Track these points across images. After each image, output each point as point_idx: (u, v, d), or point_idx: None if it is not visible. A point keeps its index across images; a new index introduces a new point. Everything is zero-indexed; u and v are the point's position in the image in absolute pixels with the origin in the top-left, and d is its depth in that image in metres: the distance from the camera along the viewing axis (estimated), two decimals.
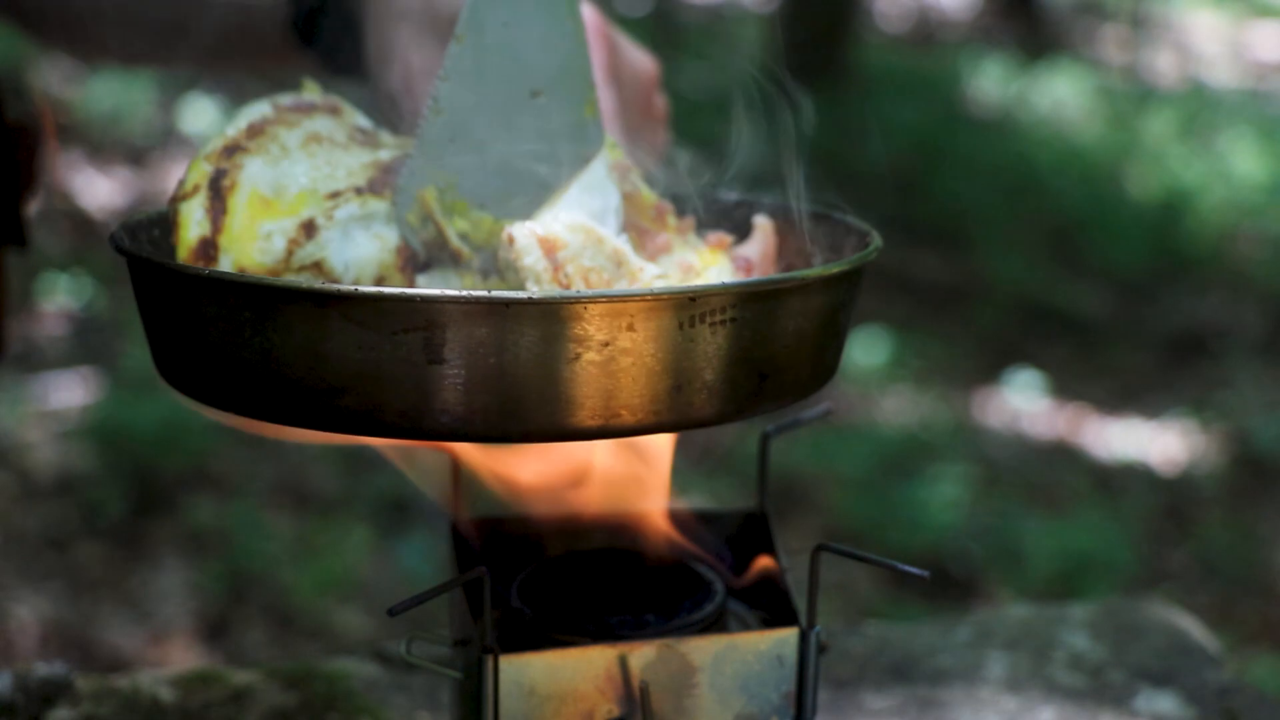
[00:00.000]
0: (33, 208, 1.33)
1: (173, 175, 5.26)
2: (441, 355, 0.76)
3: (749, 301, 0.80)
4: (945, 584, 3.46)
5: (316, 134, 0.96)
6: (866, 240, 0.94)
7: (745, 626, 1.01)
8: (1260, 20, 10.42)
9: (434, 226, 0.91)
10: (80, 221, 4.91)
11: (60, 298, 4.38)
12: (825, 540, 0.94)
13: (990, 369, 4.85)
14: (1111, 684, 1.31)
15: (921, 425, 4.40)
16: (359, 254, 0.89)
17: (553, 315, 0.76)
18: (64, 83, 5.65)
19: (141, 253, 0.87)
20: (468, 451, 1.01)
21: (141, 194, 5.19)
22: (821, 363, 0.88)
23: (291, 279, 0.87)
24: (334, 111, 1.00)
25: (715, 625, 0.98)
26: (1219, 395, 4.82)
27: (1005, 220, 6.21)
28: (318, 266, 0.89)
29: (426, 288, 0.86)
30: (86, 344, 4.15)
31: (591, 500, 1.01)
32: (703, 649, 0.92)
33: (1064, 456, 4.36)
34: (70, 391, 3.89)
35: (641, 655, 0.91)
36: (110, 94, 5.57)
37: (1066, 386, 4.75)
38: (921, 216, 6.02)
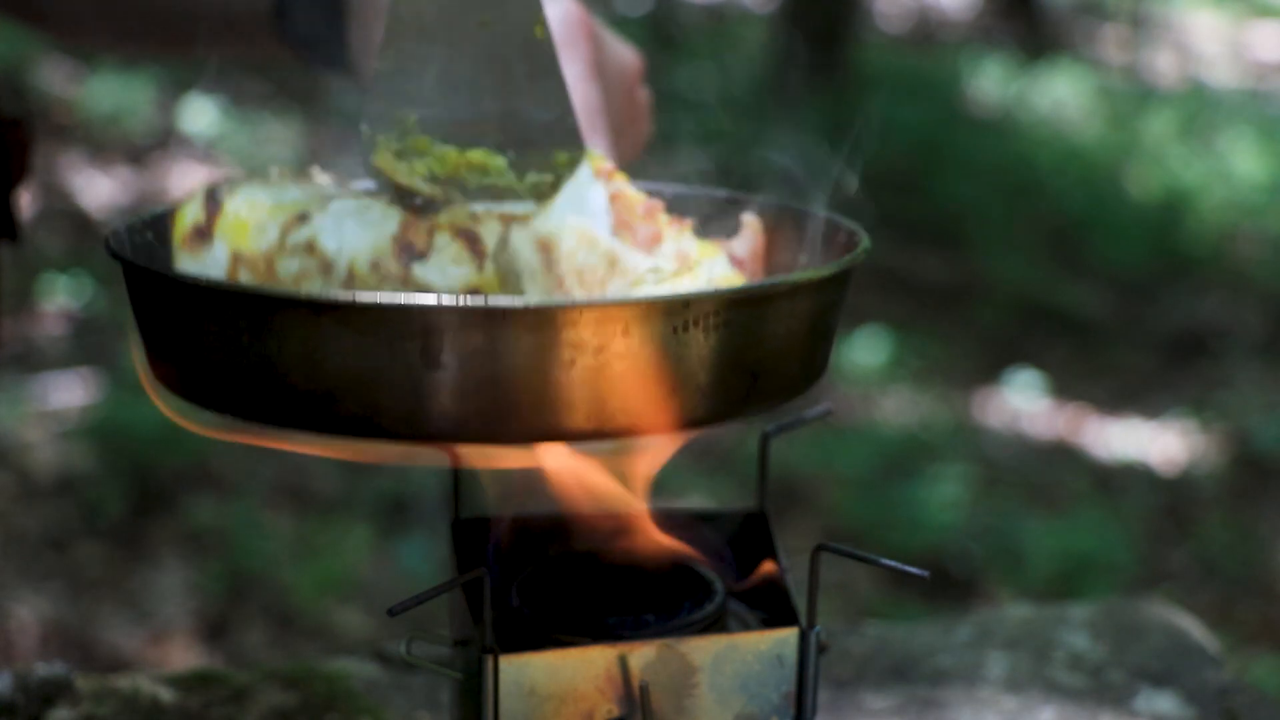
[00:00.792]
0: (23, 200, 1.33)
1: (173, 175, 5.27)
2: (439, 361, 0.77)
3: (741, 305, 0.81)
4: (945, 584, 3.46)
5: (305, 174, 0.98)
6: (855, 239, 0.94)
7: (745, 626, 1.01)
8: (1260, 20, 10.42)
9: (398, 178, 0.92)
10: (80, 221, 4.91)
11: (60, 298, 4.38)
12: (825, 540, 0.94)
13: (990, 369, 4.85)
14: (1111, 684, 1.31)
15: (921, 425, 4.40)
16: (353, 238, 0.89)
17: (549, 322, 0.77)
18: (64, 83, 5.65)
19: (137, 259, 0.87)
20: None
21: (141, 194, 5.19)
22: (812, 363, 0.89)
23: (285, 289, 0.88)
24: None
25: (715, 625, 0.98)
26: (1219, 395, 4.82)
27: (1005, 220, 6.21)
28: (310, 248, 0.89)
29: (423, 281, 0.87)
30: (86, 344, 4.15)
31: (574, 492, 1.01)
32: (703, 649, 0.92)
33: (1064, 456, 4.36)
34: (70, 391, 3.89)
35: (641, 655, 0.91)
36: (110, 94, 5.57)
37: (1066, 386, 4.75)
38: (921, 216, 6.02)
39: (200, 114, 5.61)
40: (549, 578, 1.01)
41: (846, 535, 3.52)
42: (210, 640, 3.04)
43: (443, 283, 0.88)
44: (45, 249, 4.53)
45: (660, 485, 1.03)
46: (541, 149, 0.95)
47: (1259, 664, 3.19)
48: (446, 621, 1.04)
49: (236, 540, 3.32)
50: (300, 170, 1.01)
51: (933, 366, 4.82)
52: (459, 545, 1.05)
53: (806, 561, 0.92)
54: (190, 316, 0.82)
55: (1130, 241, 6.12)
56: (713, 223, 1.04)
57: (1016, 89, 8.20)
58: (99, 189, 5.17)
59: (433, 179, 0.92)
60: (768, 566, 1.03)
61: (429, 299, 0.78)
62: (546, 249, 0.87)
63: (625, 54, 1.17)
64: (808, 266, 0.98)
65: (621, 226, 0.94)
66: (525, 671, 0.90)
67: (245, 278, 0.88)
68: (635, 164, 1.05)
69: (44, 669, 1.22)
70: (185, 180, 5.15)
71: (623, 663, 0.91)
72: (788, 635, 0.94)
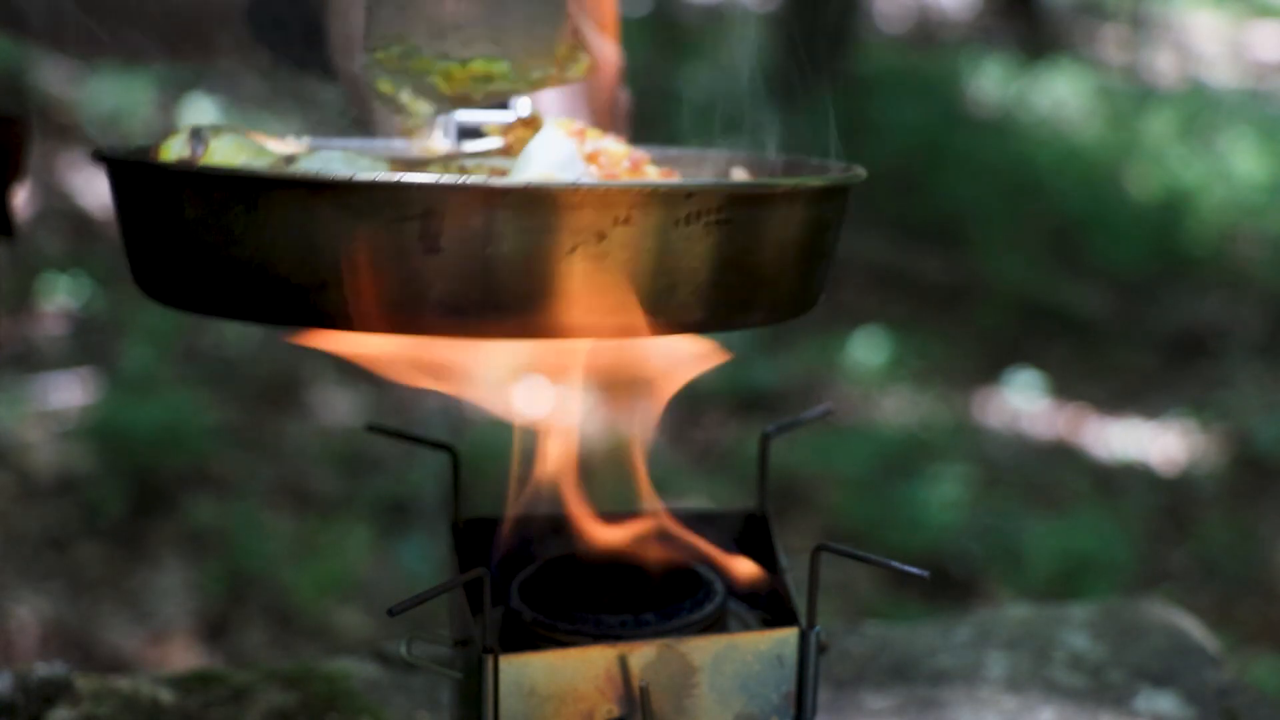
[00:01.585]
0: (20, 198, 1.32)
1: None
2: (438, 244, 0.76)
3: (742, 204, 0.81)
4: (945, 584, 3.46)
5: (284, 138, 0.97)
6: (850, 170, 0.94)
7: (745, 626, 1.01)
8: (1260, 20, 10.41)
9: (400, 100, 0.91)
10: (80, 221, 4.91)
11: (60, 298, 4.38)
12: (825, 540, 0.94)
13: (990, 369, 4.85)
14: (1111, 684, 1.31)
15: (921, 425, 4.40)
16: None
17: (550, 203, 0.76)
18: (64, 83, 5.65)
19: (125, 157, 0.86)
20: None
21: None
22: (810, 281, 0.89)
23: (281, 170, 0.87)
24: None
25: (715, 625, 0.98)
26: (1219, 395, 4.82)
27: (1005, 220, 6.20)
28: None
29: None
30: (86, 344, 4.15)
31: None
32: (703, 649, 0.92)
33: (1064, 456, 4.36)
34: (70, 391, 3.89)
35: (641, 655, 0.91)
36: (110, 94, 5.57)
37: (1066, 386, 4.75)
38: (921, 216, 6.02)
39: (200, 114, 5.61)
40: (549, 578, 1.01)
41: (846, 535, 3.52)
42: (210, 640, 3.04)
43: None
44: (45, 249, 4.53)
45: (660, 486, 1.03)
46: (539, 44, 0.94)
47: (1259, 664, 3.19)
48: (446, 621, 1.04)
49: (236, 540, 3.32)
50: (281, 134, 1.01)
51: (933, 366, 4.82)
52: (459, 545, 1.05)
53: (806, 561, 0.92)
54: (182, 208, 0.80)
55: (1130, 241, 6.12)
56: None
57: (1016, 89, 8.19)
58: (99, 189, 5.17)
59: (439, 96, 0.92)
60: (765, 575, 1.02)
61: (429, 177, 0.76)
62: None
63: (605, 51, 1.16)
64: None
65: (608, 180, 0.94)
66: (525, 671, 0.90)
67: None
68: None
69: (44, 669, 1.22)
70: None
71: (623, 663, 0.91)
72: (788, 635, 0.94)
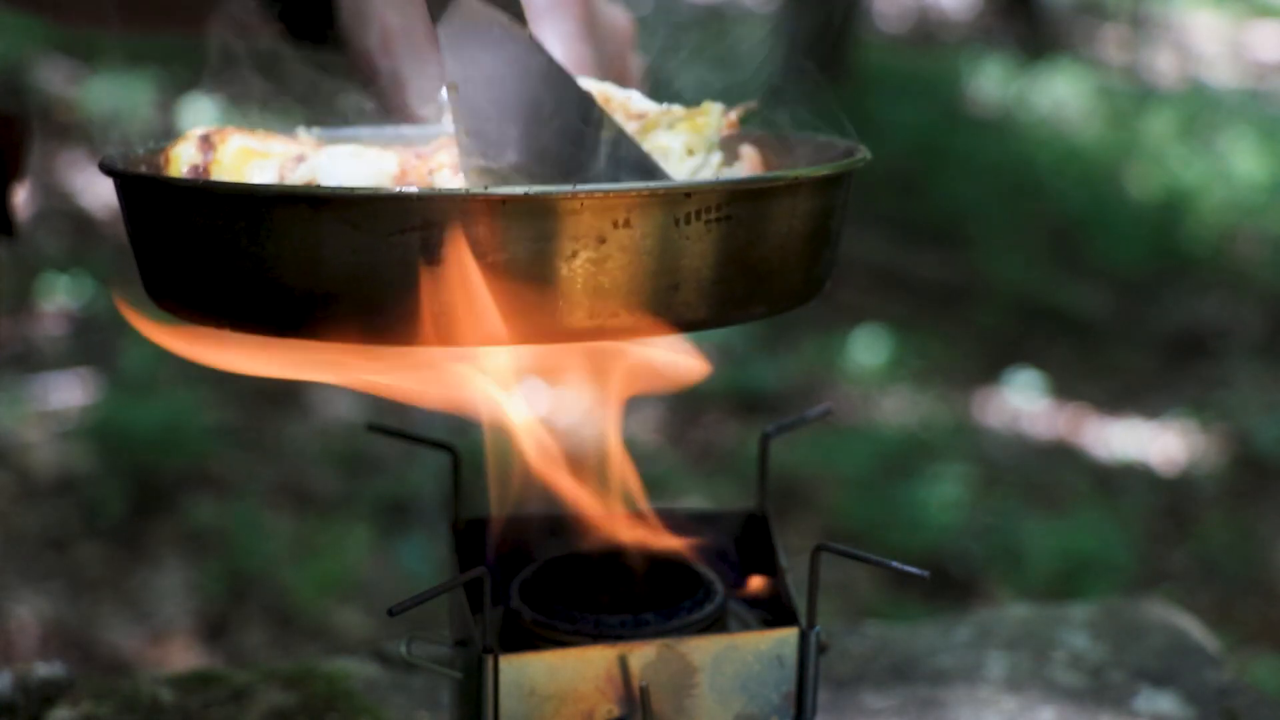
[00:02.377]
0: (20, 198, 1.32)
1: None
2: (439, 255, 0.76)
3: (743, 199, 0.81)
4: (945, 584, 3.46)
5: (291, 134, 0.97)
6: (854, 151, 0.94)
7: (745, 626, 1.01)
8: (1260, 20, 10.41)
9: None
10: (80, 221, 4.91)
11: (60, 298, 4.38)
12: (825, 540, 0.94)
13: (990, 369, 4.85)
14: (1111, 684, 1.31)
15: (921, 425, 4.40)
16: (353, 172, 0.89)
17: (549, 210, 0.76)
18: (64, 83, 5.65)
19: (133, 170, 0.86)
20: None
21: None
22: (814, 269, 0.89)
23: (283, 185, 0.87)
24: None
25: (715, 625, 0.98)
26: (1219, 395, 4.82)
27: (1005, 220, 6.21)
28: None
29: None
30: (86, 344, 4.15)
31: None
32: (703, 649, 0.92)
33: (1064, 456, 4.36)
34: (70, 391, 3.89)
35: (641, 655, 0.91)
36: (110, 94, 5.57)
37: (1066, 386, 4.75)
38: (921, 216, 6.02)
39: (200, 114, 5.61)
40: (549, 578, 1.01)
41: (846, 535, 3.52)
42: (210, 640, 3.04)
43: None
44: (45, 249, 4.53)
45: (661, 486, 1.03)
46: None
47: (1259, 664, 3.19)
48: (446, 621, 1.04)
49: (236, 540, 3.32)
50: (287, 133, 1.01)
51: (933, 366, 4.82)
52: (459, 545, 1.05)
53: (806, 561, 0.92)
54: (187, 223, 0.80)
55: (1130, 241, 6.12)
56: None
57: (1016, 89, 8.20)
58: (99, 189, 5.17)
59: None
60: (766, 581, 1.02)
61: (426, 189, 0.76)
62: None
63: (618, 17, 1.16)
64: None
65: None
66: (525, 671, 0.90)
67: None
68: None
69: (44, 669, 1.22)
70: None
71: (623, 663, 0.91)
72: (788, 635, 0.94)
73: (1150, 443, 4.46)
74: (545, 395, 0.98)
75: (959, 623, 1.43)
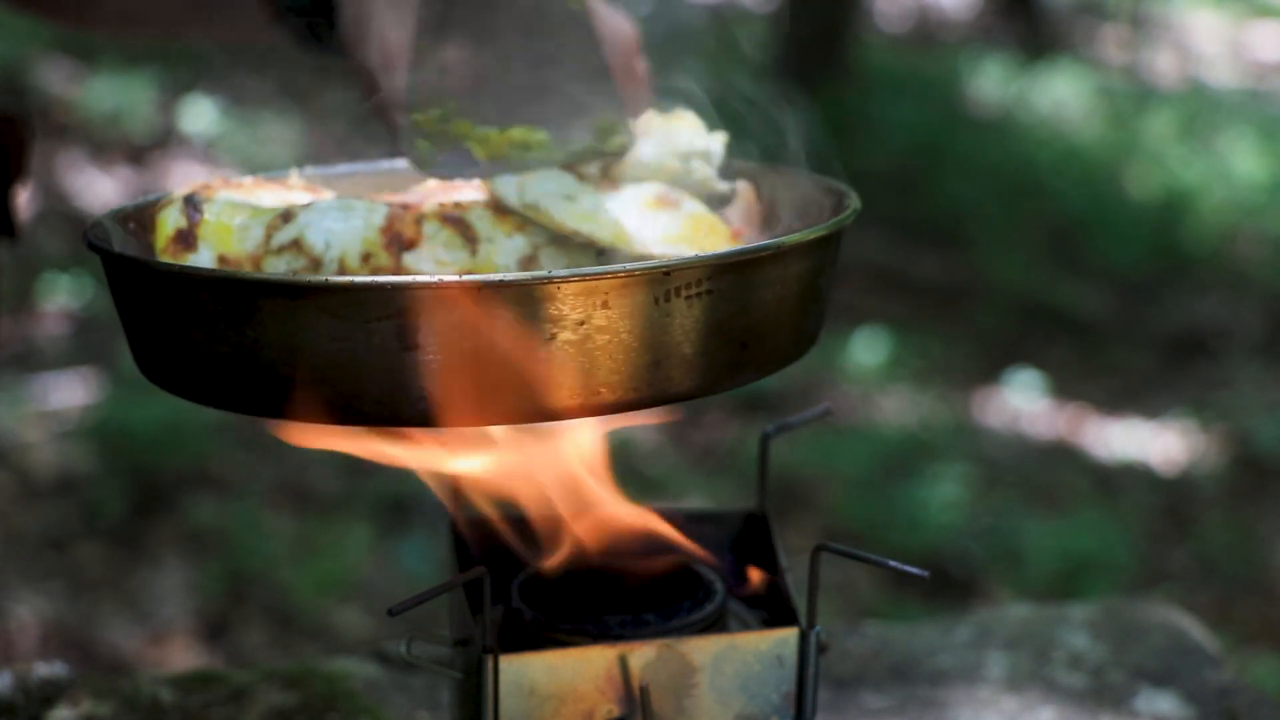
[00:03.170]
0: (22, 198, 1.32)
1: (173, 175, 5.27)
2: (416, 341, 0.76)
3: (725, 273, 0.80)
4: (945, 584, 3.46)
5: (282, 180, 0.98)
6: (844, 201, 0.93)
7: (745, 626, 1.01)
8: (1260, 20, 10.41)
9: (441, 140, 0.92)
10: (81, 221, 4.91)
11: (60, 298, 4.38)
12: (825, 540, 0.94)
13: (990, 369, 4.85)
14: (1111, 684, 1.31)
15: (921, 425, 4.40)
16: (340, 232, 0.88)
17: (526, 296, 0.76)
18: (64, 83, 5.65)
19: (115, 249, 0.86)
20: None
21: (141, 194, 5.19)
22: (803, 329, 0.88)
23: (261, 273, 0.87)
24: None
25: (715, 625, 0.98)
26: (1219, 395, 4.82)
27: (1005, 220, 6.20)
28: (297, 245, 0.88)
29: (416, 271, 0.86)
30: (86, 344, 4.14)
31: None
32: (703, 649, 0.92)
33: (1064, 456, 4.36)
34: (70, 391, 3.89)
35: (641, 655, 0.91)
36: (110, 94, 5.57)
37: (1066, 386, 4.75)
38: (921, 216, 6.01)
39: (200, 114, 5.61)
40: (549, 578, 1.01)
41: (846, 535, 3.51)
42: (210, 640, 3.03)
43: (436, 271, 0.88)
44: (45, 249, 4.53)
45: (661, 485, 1.03)
46: (580, 118, 0.94)
47: (1259, 664, 3.19)
48: (446, 621, 1.04)
49: (236, 540, 3.31)
50: (278, 176, 1.01)
51: (933, 366, 4.81)
52: (459, 545, 1.05)
53: (806, 561, 0.92)
54: (167, 304, 0.81)
55: (1130, 241, 6.12)
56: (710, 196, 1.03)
57: (1016, 89, 8.19)
58: (99, 189, 5.17)
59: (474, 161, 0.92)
60: (767, 576, 1.02)
61: (402, 278, 0.76)
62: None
63: (621, 24, 1.16)
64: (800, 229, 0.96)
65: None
66: (525, 671, 0.90)
67: None
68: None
69: (44, 669, 1.22)
70: (185, 180, 5.15)
71: (623, 663, 0.91)
72: (788, 635, 0.94)
73: (1150, 443, 4.46)
74: None
75: (959, 623, 1.43)
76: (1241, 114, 8.16)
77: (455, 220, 0.90)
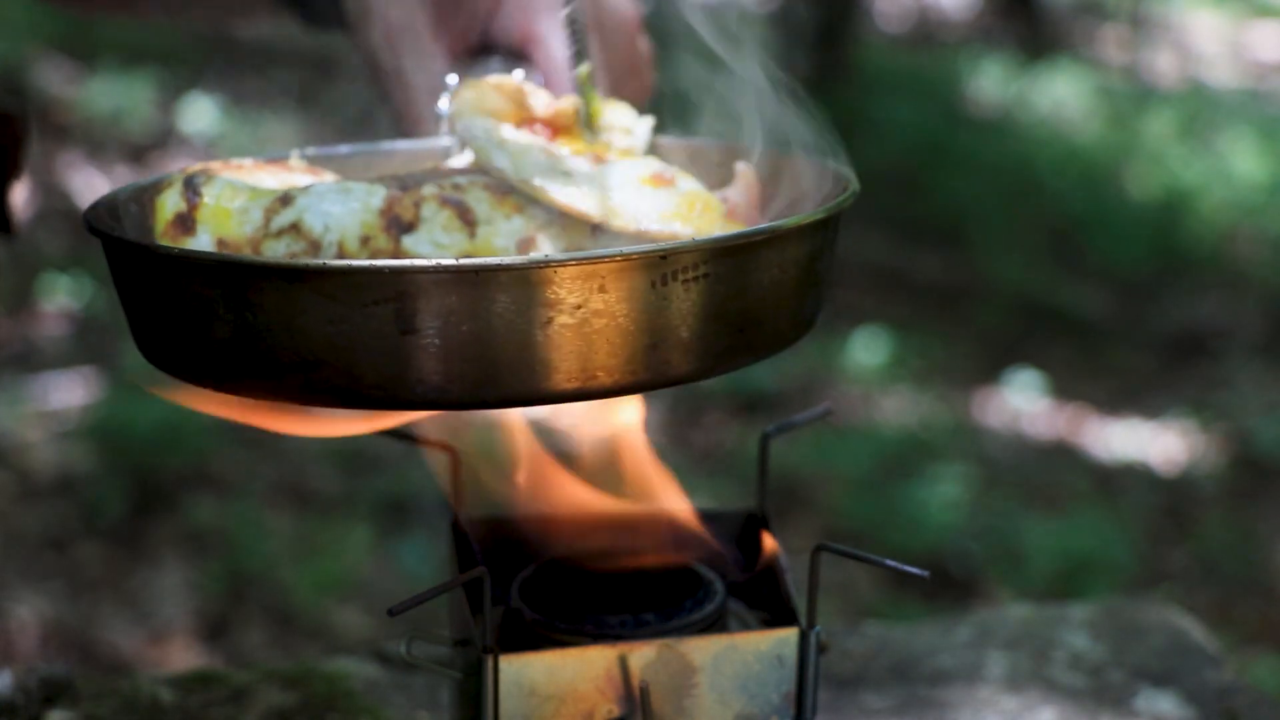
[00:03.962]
0: (19, 196, 1.32)
1: None
2: (414, 325, 0.76)
3: (722, 256, 0.80)
4: (945, 584, 3.46)
5: (282, 163, 0.98)
6: (844, 184, 0.93)
7: (745, 626, 1.01)
8: (1260, 20, 10.41)
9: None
10: (80, 221, 4.91)
11: (60, 298, 4.38)
12: (825, 540, 0.93)
13: (990, 369, 4.85)
14: (1111, 684, 1.31)
15: (921, 425, 4.40)
16: (339, 215, 0.88)
17: (523, 281, 0.76)
18: (64, 83, 5.65)
19: (114, 231, 0.86)
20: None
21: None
22: (800, 313, 0.88)
23: (260, 257, 0.87)
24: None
25: (715, 625, 0.98)
26: (1219, 395, 4.82)
27: (1005, 220, 6.21)
28: (296, 228, 0.88)
29: (414, 253, 0.87)
30: (86, 344, 4.15)
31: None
32: (703, 649, 0.92)
33: (1064, 456, 4.36)
34: (70, 391, 3.89)
35: (641, 655, 0.91)
36: (110, 94, 5.57)
37: (1066, 386, 4.75)
38: (921, 216, 6.02)
39: (200, 114, 5.61)
40: (549, 578, 1.01)
41: (846, 535, 3.52)
42: (210, 640, 3.04)
43: (435, 253, 0.88)
44: (45, 249, 4.53)
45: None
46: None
47: (1259, 664, 3.19)
48: (446, 621, 1.04)
49: (236, 540, 3.32)
50: (279, 157, 1.01)
51: (933, 366, 4.82)
52: (459, 545, 1.05)
53: (806, 561, 0.92)
54: (166, 288, 0.81)
55: (1130, 241, 6.12)
56: (709, 173, 1.03)
57: (1016, 89, 8.19)
58: (99, 189, 5.17)
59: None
60: (770, 556, 1.02)
61: (400, 261, 0.76)
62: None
63: (623, 4, 1.16)
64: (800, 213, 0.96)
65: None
66: (525, 671, 0.89)
67: None
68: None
69: (44, 669, 1.22)
70: None
71: (623, 663, 0.91)
72: (788, 635, 0.94)
73: (1150, 443, 4.46)
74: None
75: (959, 623, 1.43)
76: (1241, 114, 8.17)
77: (454, 202, 0.90)
